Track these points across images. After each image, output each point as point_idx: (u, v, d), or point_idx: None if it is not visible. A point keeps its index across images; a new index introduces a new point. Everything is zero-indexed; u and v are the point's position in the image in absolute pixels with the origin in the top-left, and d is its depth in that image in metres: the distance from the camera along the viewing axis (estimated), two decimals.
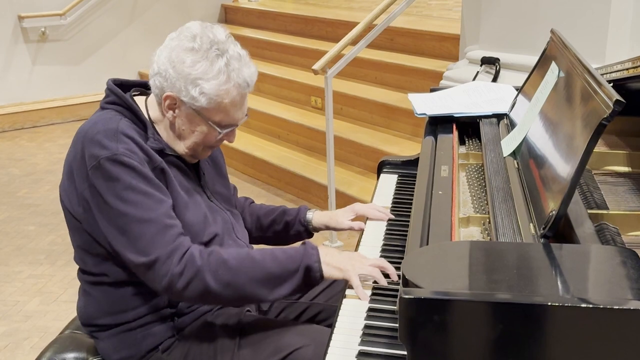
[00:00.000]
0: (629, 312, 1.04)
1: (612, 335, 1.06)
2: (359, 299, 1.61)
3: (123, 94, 1.73)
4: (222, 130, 1.72)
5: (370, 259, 1.69)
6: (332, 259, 1.66)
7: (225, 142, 1.80)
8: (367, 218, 2.04)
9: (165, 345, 1.74)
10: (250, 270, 1.62)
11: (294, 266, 1.64)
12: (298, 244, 1.79)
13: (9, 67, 6.68)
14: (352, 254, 1.72)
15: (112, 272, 1.70)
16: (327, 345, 1.47)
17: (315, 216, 2.05)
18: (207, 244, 1.74)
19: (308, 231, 2.06)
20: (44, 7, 6.71)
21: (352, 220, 2.04)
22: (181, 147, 1.75)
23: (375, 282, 1.65)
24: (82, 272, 1.78)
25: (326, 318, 1.94)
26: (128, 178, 1.59)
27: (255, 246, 2.04)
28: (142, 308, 1.72)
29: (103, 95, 1.76)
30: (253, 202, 2.13)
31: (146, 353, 1.73)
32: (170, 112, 1.71)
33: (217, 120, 1.70)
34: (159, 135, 1.74)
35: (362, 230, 1.99)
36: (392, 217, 2.02)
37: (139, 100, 1.77)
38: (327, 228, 2.07)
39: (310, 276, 1.65)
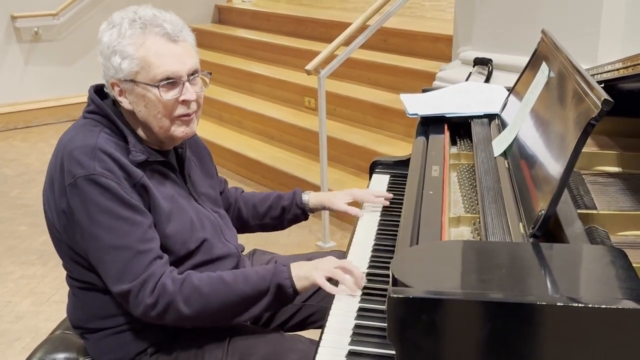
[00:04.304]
0: (619, 312, 1.05)
1: (601, 335, 1.06)
2: (351, 299, 1.60)
3: (102, 103, 1.70)
4: (158, 84, 1.62)
5: (337, 262, 1.67)
6: (300, 271, 1.66)
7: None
8: (363, 204, 2.08)
9: (154, 349, 1.73)
10: (222, 295, 1.61)
11: (265, 286, 1.64)
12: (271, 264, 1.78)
13: (2, 67, 6.66)
14: (320, 259, 1.70)
15: (97, 280, 1.68)
16: (317, 345, 1.47)
17: (311, 197, 2.07)
18: (195, 250, 1.73)
19: (305, 213, 2.08)
20: (37, 7, 6.69)
21: (349, 204, 2.07)
22: (159, 132, 1.69)
23: (364, 287, 1.65)
24: (70, 277, 1.77)
25: (319, 319, 1.94)
26: (103, 200, 1.57)
27: (252, 235, 2.06)
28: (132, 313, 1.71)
29: None
30: (243, 191, 2.14)
31: (135, 356, 1.72)
32: (124, 99, 1.67)
33: (151, 77, 1.63)
34: (141, 144, 1.69)
35: (357, 216, 2.03)
36: (391, 195, 2.06)
37: None
38: (324, 208, 2.11)
39: (283, 293, 1.64)
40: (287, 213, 2.06)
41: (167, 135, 1.70)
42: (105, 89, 1.71)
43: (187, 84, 1.67)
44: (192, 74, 1.69)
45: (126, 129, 1.68)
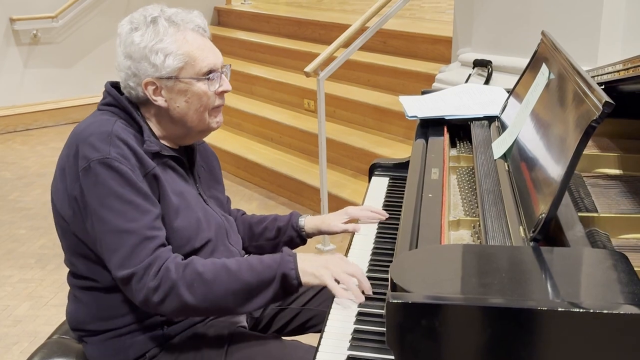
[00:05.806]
0: (621, 317, 1.03)
1: (603, 340, 1.05)
2: (350, 303, 1.59)
3: (119, 95, 1.71)
4: (206, 77, 1.68)
5: (348, 266, 1.64)
6: (308, 266, 1.62)
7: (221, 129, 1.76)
8: (360, 220, 2.02)
9: (153, 353, 1.72)
10: (226, 282, 1.59)
11: (271, 275, 1.60)
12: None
13: (1, 69, 6.65)
14: (330, 258, 1.66)
15: (101, 276, 1.68)
16: (316, 350, 1.46)
17: (307, 221, 2.02)
18: (199, 249, 1.72)
19: (301, 237, 2.02)
20: (36, 9, 6.69)
21: (346, 222, 2.01)
22: (197, 125, 1.73)
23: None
24: (72, 276, 1.76)
25: (318, 323, 1.93)
26: (115, 184, 1.57)
27: (246, 256, 2.02)
28: (132, 315, 1.70)
29: (96, 98, 1.75)
30: (245, 213, 2.11)
31: None
32: (160, 97, 1.69)
33: (197, 71, 1.68)
34: (155, 137, 1.72)
35: (355, 232, 1.97)
36: (387, 215, 2.00)
37: None
38: (320, 232, 2.04)
39: (288, 284, 1.61)
40: (282, 235, 2.01)
41: (205, 127, 1.76)
42: (131, 90, 1.70)
43: (223, 75, 1.73)
44: (223, 66, 1.75)
45: (142, 121, 1.70)
